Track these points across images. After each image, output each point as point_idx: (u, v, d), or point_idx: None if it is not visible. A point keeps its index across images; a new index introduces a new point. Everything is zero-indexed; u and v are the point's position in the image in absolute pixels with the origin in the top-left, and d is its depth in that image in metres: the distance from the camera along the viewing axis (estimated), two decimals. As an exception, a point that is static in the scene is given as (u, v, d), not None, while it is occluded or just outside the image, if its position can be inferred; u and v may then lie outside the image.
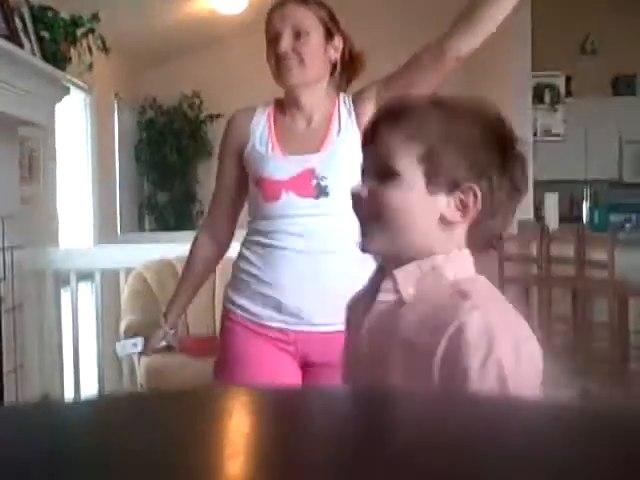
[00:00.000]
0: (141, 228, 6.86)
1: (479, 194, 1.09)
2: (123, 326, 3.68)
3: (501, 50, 6.85)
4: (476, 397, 0.88)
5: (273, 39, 1.85)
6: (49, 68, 3.25)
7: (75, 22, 3.54)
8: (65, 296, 3.75)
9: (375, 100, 1.86)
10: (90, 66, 3.72)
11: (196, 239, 2.05)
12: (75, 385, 3.66)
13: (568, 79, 7.73)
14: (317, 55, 1.86)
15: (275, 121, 1.92)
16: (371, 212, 1.13)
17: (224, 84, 6.63)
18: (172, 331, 2.07)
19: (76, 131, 5.20)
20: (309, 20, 1.85)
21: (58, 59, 3.45)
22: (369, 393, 0.86)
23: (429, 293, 1.10)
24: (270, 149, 1.88)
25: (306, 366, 1.88)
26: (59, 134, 4.42)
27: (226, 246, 2.05)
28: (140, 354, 2.10)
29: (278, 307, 1.84)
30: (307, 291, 1.81)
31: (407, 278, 1.11)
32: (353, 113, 1.88)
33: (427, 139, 1.09)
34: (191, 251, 2.05)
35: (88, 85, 5.01)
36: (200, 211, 6.85)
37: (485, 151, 1.09)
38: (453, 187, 1.09)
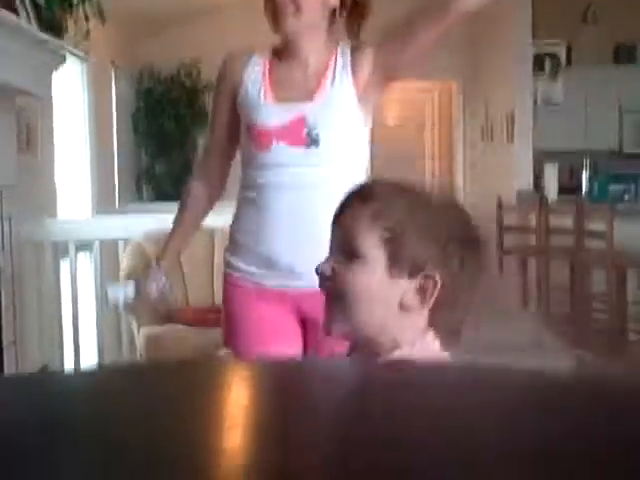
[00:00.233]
0: (139, 198, 6.84)
1: (439, 282, 1.10)
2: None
3: (502, 19, 6.79)
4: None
5: None
6: (45, 36, 3.21)
7: (71, -11, 3.50)
8: (64, 266, 3.75)
9: (373, 60, 1.84)
10: (87, 34, 3.69)
11: (188, 186, 2.03)
12: (75, 356, 3.68)
13: (569, 48, 7.68)
14: (314, 2, 1.83)
15: (271, 68, 1.90)
16: (335, 291, 1.15)
17: (223, 52, 6.58)
18: (167, 280, 1.99)
19: (73, 101, 5.16)
20: None
21: (54, 27, 3.42)
22: (366, 366, 0.86)
23: None
24: (263, 96, 1.86)
25: (306, 321, 1.88)
26: (56, 104, 4.38)
27: (218, 193, 2.03)
28: (134, 300, 2.00)
29: (272, 265, 1.84)
30: (299, 246, 1.80)
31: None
32: (349, 66, 1.86)
33: (392, 223, 1.11)
34: (182, 198, 2.04)
35: (85, 53, 4.96)
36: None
37: (447, 241, 1.11)
38: (414, 272, 1.11)
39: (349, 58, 1.87)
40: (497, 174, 7.37)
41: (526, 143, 6.84)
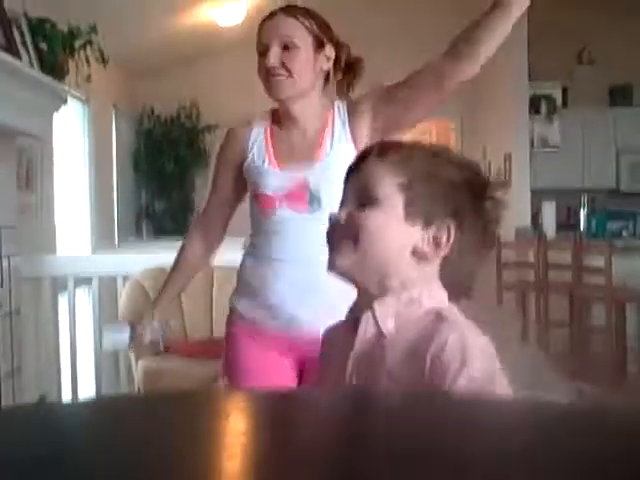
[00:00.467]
0: (139, 236, 6.88)
1: (452, 232, 1.12)
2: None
3: (498, 61, 6.89)
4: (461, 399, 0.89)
5: (262, 52, 1.85)
6: (46, 78, 3.27)
7: (73, 34, 3.56)
8: (62, 302, 3.75)
9: (371, 114, 1.85)
10: (88, 77, 3.74)
11: (188, 236, 2.08)
12: (72, 390, 3.66)
13: (564, 89, 7.76)
14: (306, 67, 1.85)
15: (272, 134, 1.92)
16: (347, 234, 1.15)
17: (222, 95, 6.67)
18: (159, 326, 2.04)
19: (74, 141, 5.21)
20: (298, 32, 1.84)
21: (56, 70, 3.48)
22: (359, 395, 0.87)
23: (409, 323, 1.12)
24: (267, 164, 1.89)
25: (308, 367, 1.89)
26: (57, 144, 4.43)
27: (215, 246, 2.08)
28: (129, 345, 2.05)
29: (274, 315, 1.87)
30: (301, 299, 1.83)
31: (386, 311, 1.13)
32: (347, 125, 1.87)
33: (410, 171, 1.13)
34: (182, 247, 2.08)
35: (86, 96, 5.04)
36: (198, 220, 6.85)
37: (462, 193, 1.13)
38: (429, 222, 1.12)
39: (346, 116, 1.87)
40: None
41: (524, 182, 6.88)
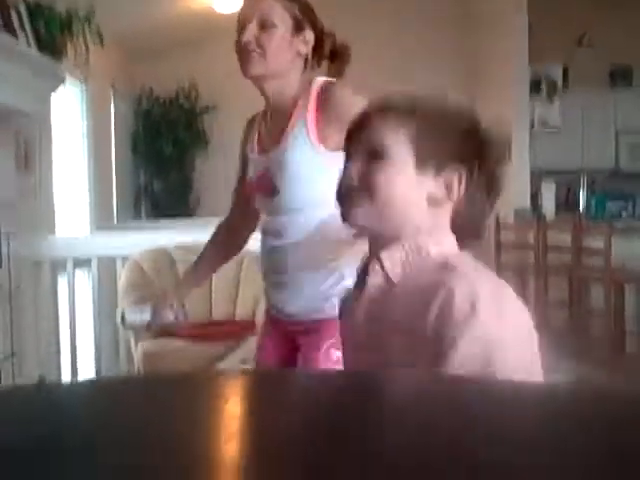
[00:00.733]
0: (138, 216, 6.87)
1: (464, 176, 1.14)
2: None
3: (499, 42, 6.85)
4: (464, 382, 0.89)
5: (240, 29, 1.82)
6: (43, 58, 3.26)
7: (71, 16, 3.54)
8: (62, 283, 3.76)
9: (332, 127, 1.74)
10: (86, 59, 3.72)
11: (217, 226, 2.12)
12: (72, 372, 3.67)
13: (565, 71, 7.74)
14: (281, 47, 1.81)
15: (263, 119, 1.93)
16: (361, 190, 1.15)
17: (220, 76, 6.63)
18: (182, 308, 2.04)
19: (73, 123, 5.20)
20: (277, 11, 1.80)
21: (54, 52, 3.46)
22: (357, 377, 0.87)
23: (417, 271, 1.13)
24: (251, 149, 1.93)
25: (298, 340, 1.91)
26: (56, 126, 4.42)
27: (244, 235, 2.10)
28: (148, 324, 2.04)
29: (268, 299, 1.94)
30: (276, 286, 1.88)
31: (393, 259, 1.14)
32: (314, 110, 1.79)
33: (416, 123, 1.14)
34: (212, 235, 2.11)
35: (84, 76, 5.01)
36: (197, 198, 6.86)
37: (467, 138, 1.15)
38: (439, 169, 1.14)
39: (315, 100, 1.80)
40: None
41: (523, 163, 6.86)
